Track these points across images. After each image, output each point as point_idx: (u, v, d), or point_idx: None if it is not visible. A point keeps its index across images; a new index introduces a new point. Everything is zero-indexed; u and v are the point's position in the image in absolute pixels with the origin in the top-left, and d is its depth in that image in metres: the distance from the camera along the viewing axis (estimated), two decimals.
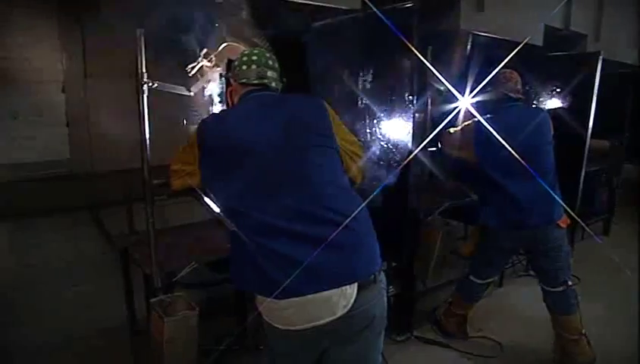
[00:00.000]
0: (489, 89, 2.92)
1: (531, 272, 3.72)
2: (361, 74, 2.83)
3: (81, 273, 3.35)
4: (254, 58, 1.89)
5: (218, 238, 2.77)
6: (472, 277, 3.20)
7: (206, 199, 1.85)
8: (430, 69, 2.89)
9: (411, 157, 2.64)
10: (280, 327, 1.65)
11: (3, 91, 3.09)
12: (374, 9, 2.35)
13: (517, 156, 2.49)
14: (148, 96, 2.17)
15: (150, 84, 2.16)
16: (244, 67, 1.88)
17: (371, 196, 1.77)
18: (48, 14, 3.13)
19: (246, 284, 1.75)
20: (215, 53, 2.40)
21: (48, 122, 3.22)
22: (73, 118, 3.30)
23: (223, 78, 2.46)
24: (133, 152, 2.27)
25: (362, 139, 2.04)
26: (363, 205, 1.71)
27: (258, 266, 1.59)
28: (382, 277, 1.74)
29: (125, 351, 3.04)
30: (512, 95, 2.90)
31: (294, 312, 1.59)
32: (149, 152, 2.20)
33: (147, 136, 2.17)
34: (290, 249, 1.57)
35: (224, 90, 2.18)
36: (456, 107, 3.01)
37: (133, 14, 2.46)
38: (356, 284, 1.60)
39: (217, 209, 1.77)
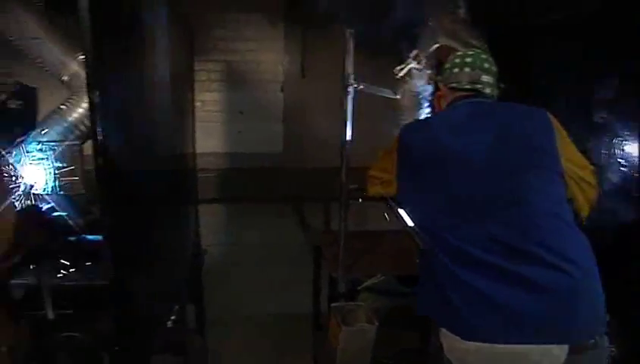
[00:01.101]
0: None
1: None
2: (601, 82, 2.34)
3: (279, 259, 3.60)
4: (468, 60, 1.67)
5: (414, 251, 2.62)
6: None
7: (400, 211, 1.73)
8: None
9: None
10: None
11: (235, 90, 3.50)
12: None
13: None
14: (354, 98, 2.15)
15: (356, 86, 2.13)
16: (455, 70, 1.68)
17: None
18: (276, 21, 3.43)
19: (430, 312, 1.57)
20: (426, 54, 2.26)
21: (266, 118, 3.54)
22: (288, 116, 3.56)
23: (432, 82, 2.30)
24: (338, 151, 2.29)
25: (596, 163, 1.64)
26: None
27: (446, 296, 1.40)
28: (605, 340, 1.37)
29: (307, 341, 3.16)
30: None
31: (481, 360, 1.35)
32: (349, 155, 2.19)
33: (349, 138, 2.16)
34: (488, 285, 1.34)
35: (432, 94, 2.03)
36: None
37: (346, 16, 2.48)
38: (566, 346, 1.28)
39: (410, 223, 1.63)
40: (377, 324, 2.08)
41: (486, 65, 1.66)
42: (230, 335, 3.37)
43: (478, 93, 1.64)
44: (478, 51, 1.76)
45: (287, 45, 3.48)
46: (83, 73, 2.56)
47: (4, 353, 1.69)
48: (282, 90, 3.53)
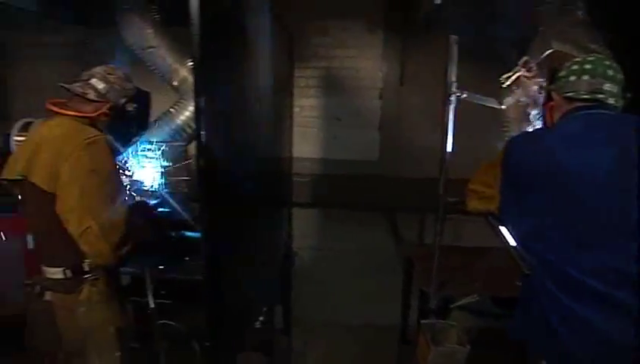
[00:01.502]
0: None
1: None
2: None
3: (368, 267, 3.57)
4: (587, 66, 1.50)
5: (513, 273, 2.44)
6: None
7: (502, 229, 1.61)
8: None
9: None
10: None
11: (333, 96, 3.53)
12: None
13: None
14: (456, 107, 2.06)
15: (458, 94, 2.04)
16: (572, 78, 1.51)
17: None
18: (375, 29, 3.41)
19: (531, 341, 1.44)
20: (537, 61, 2.08)
21: (363, 125, 3.53)
22: (385, 123, 3.51)
23: (543, 91, 2.12)
24: (436, 161, 2.21)
25: None
26: None
27: (551, 327, 1.28)
28: None
29: (392, 353, 3.08)
30: None
31: None
32: (448, 166, 2.11)
33: (449, 149, 2.06)
34: (602, 320, 1.20)
35: (544, 105, 1.86)
36: None
37: (451, 23, 2.39)
38: None
39: (512, 243, 1.51)
40: (469, 347, 1.96)
41: (610, 72, 1.48)
42: (314, 339, 3.39)
43: (599, 104, 1.46)
44: (601, 56, 1.58)
45: (385, 53, 3.44)
46: (191, 79, 2.75)
47: (113, 333, 1.82)
48: (380, 97, 3.49)
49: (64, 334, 1.82)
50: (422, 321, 2.12)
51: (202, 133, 1.13)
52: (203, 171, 1.15)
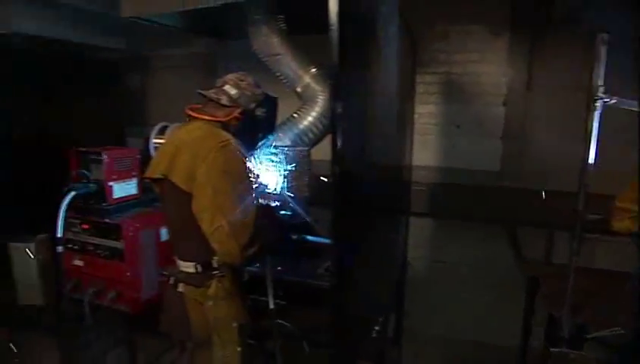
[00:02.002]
0: None
1: None
2: None
3: (484, 283, 3.37)
4: None
5: None
6: None
7: None
8: None
9: None
10: None
11: (453, 103, 3.39)
12: None
13: None
14: (600, 113, 1.85)
15: (605, 100, 1.82)
16: None
17: None
18: (500, 32, 3.21)
19: None
20: None
21: (484, 134, 3.34)
22: (508, 132, 3.30)
23: None
24: (568, 173, 2.04)
25: None
26: None
27: None
28: None
29: None
30: None
31: None
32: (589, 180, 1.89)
33: (592, 160, 1.85)
34: None
35: None
36: None
37: (596, 19, 2.15)
38: None
39: None
40: None
41: None
42: (425, 351, 3.28)
43: None
44: None
45: (511, 56, 3.22)
46: (314, 85, 2.79)
47: (235, 328, 1.90)
48: (504, 104, 3.27)
49: (193, 325, 1.93)
50: (553, 350, 1.92)
51: (338, 139, 1.12)
52: (338, 177, 1.14)
